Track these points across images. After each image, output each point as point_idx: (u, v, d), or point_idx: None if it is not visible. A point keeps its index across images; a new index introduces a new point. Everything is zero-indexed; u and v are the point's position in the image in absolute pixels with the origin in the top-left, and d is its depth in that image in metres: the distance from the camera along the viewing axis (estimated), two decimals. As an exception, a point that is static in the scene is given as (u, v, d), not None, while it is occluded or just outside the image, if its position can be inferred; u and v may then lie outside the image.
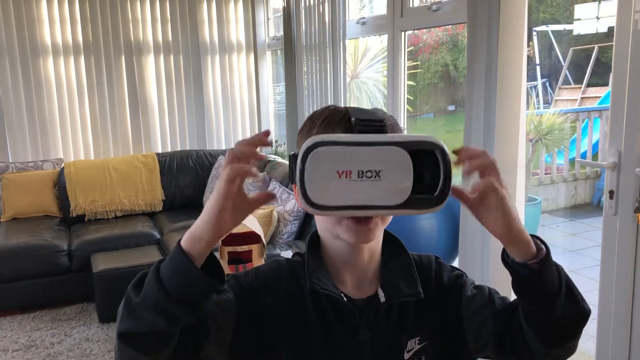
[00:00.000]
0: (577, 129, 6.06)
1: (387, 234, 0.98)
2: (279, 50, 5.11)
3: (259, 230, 2.64)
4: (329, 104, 3.74)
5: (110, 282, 3.53)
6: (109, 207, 4.44)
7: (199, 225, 0.75)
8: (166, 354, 0.78)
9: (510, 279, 0.81)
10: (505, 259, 0.80)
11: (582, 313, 0.81)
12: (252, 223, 2.65)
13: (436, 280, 0.97)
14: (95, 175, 4.46)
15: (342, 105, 0.92)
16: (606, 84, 8.14)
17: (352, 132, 0.77)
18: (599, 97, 7.64)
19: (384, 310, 0.92)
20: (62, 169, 4.45)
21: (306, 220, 3.24)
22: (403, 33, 3.11)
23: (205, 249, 0.75)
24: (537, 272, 0.77)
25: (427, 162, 0.73)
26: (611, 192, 1.86)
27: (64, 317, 3.69)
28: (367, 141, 0.72)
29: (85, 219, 4.38)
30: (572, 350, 0.86)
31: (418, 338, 0.92)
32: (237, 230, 2.74)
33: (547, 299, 0.79)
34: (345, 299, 0.91)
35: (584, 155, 6.19)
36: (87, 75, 4.77)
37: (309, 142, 0.72)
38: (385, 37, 3.26)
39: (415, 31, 7.71)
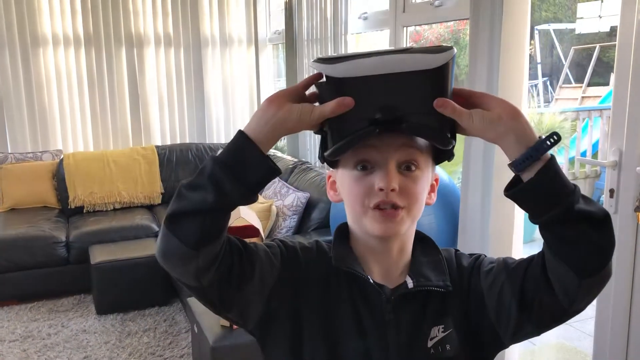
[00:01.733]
0: (577, 128, 6.05)
1: (419, 234, 1.00)
2: (280, 45, 5.09)
3: (258, 224, 2.64)
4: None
5: (107, 274, 3.54)
6: (107, 199, 4.44)
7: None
8: (205, 256, 0.80)
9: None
10: (517, 163, 0.80)
11: (604, 210, 0.80)
12: (251, 217, 2.65)
13: (457, 268, 0.97)
14: (94, 167, 4.45)
15: None
16: (607, 84, 8.14)
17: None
18: (600, 96, 7.64)
19: (411, 296, 0.93)
20: (62, 160, 4.45)
21: (305, 215, 3.24)
22: (405, 29, 3.10)
23: (260, 115, 0.82)
24: (552, 160, 0.79)
25: None
26: (611, 191, 1.85)
27: (61, 308, 3.69)
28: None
29: (84, 211, 4.38)
30: (606, 276, 0.82)
31: (442, 326, 0.92)
32: (235, 224, 2.74)
33: (571, 192, 0.78)
34: (372, 280, 0.93)
35: (583, 155, 6.19)
36: (87, 66, 4.75)
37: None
38: (386, 33, 3.24)
39: (417, 28, 7.69)
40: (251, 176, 0.80)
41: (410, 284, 0.93)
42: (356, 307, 0.92)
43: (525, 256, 0.91)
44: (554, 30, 9.13)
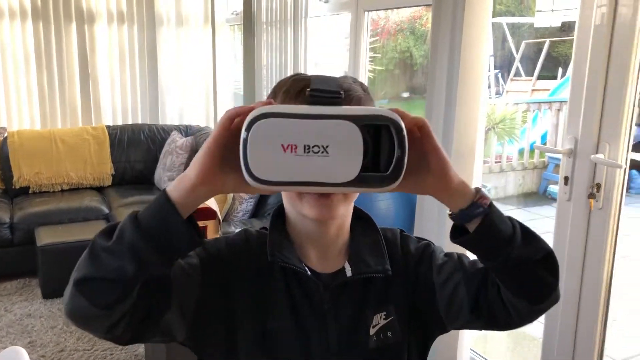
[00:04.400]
0: (528, 120, 6.22)
1: (357, 210, 0.97)
2: (237, 26, 5.00)
3: (215, 207, 2.59)
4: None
5: (54, 256, 3.41)
6: (55, 180, 4.28)
7: (190, 165, 0.72)
8: (119, 312, 0.74)
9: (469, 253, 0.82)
10: (456, 217, 0.78)
11: (545, 249, 0.81)
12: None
13: (403, 253, 0.96)
14: (41, 146, 4.28)
15: (309, 74, 0.88)
16: (555, 77, 8.38)
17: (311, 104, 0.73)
18: (549, 89, 7.86)
19: (350, 285, 0.91)
20: (5, 138, 4.25)
21: (262, 199, 3.20)
22: (366, 13, 3.09)
23: (190, 193, 0.71)
24: (489, 209, 0.76)
25: (384, 136, 0.70)
26: (566, 178, 1.90)
27: (4, 292, 3.54)
28: (315, 114, 0.69)
29: (30, 192, 4.21)
30: (555, 299, 0.85)
31: (384, 313, 0.91)
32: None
33: (508, 242, 0.78)
34: (309, 272, 0.90)
35: (532, 146, 6.37)
36: (35, 41, 4.53)
37: (255, 112, 0.68)
38: (346, 18, 3.22)
39: (374, 16, 7.70)
40: (175, 248, 0.74)
41: (348, 271, 0.91)
42: (293, 299, 0.89)
43: None
44: (506, 23, 9.31)
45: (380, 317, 0.91)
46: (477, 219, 0.77)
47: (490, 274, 0.85)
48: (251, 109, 0.69)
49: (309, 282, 0.90)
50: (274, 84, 3.39)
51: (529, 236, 0.81)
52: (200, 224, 2.64)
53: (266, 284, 0.90)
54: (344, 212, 0.91)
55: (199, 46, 5.09)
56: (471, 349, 2.54)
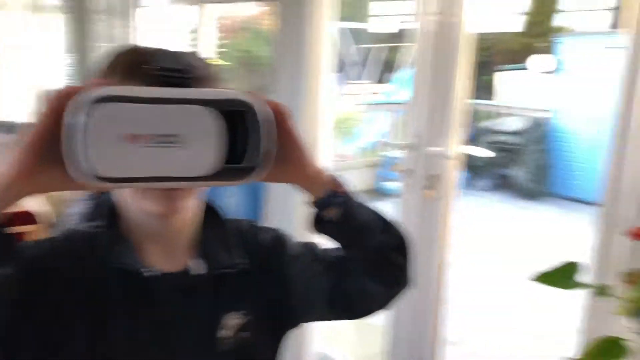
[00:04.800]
0: (365, 121, 6.57)
1: (206, 201, 0.89)
2: (65, 14, 4.62)
3: (39, 208, 2.34)
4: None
5: None
6: None
7: (4, 159, 0.60)
8: None
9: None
10: (315, 205, 0.78)
11: (402, 235, 0.84)
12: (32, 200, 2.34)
13: (256, 246, 0.90)
14: None
15: (151, 47, 0.76)
16: (389, 81, 8.93)
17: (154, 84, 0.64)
18: (385, 92, 8.35)
19: (199, 283, 0.83)
20: None
21: (105, 198, 2.96)
22: (209, 6, 3.01)
23: (2, 192, 0.60)
24: (348, 198, 0.78)
25: (242, 122, 0.63)
26: (408, 171, 2.01)
27: None
28: (167, 98, 0.60)
29: None
30: (409, 284, 0.87)
31: (242, 312, 0.84)
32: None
33: (367, 230, 0.80)
34: (149, 273, 0.79)
35: (372, 145, 6.75)
36: None
37: (93, 94, 0.57)
38: (191, 10, 3.11)
39: (220, 13, 7.58)
40: None
41: (198, 269, 0.83)
42: (132, 306, 0.79)
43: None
44: (346, 28, 9.72)
45: (234, 317, 0.84)
46: (337, 207, 0.77)
47: (347, 261, 0.84)
48: (80, 90, 0.58)
49: (150, 285, 0.79)
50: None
51: (387, 223, 0.82)
52: (17, 230, 2.38)
53: (98, 292, 0.78)
54: (191, 205, 0.83)
55: (21, 34, 4.61)
56: (323, 346, 2.57)
